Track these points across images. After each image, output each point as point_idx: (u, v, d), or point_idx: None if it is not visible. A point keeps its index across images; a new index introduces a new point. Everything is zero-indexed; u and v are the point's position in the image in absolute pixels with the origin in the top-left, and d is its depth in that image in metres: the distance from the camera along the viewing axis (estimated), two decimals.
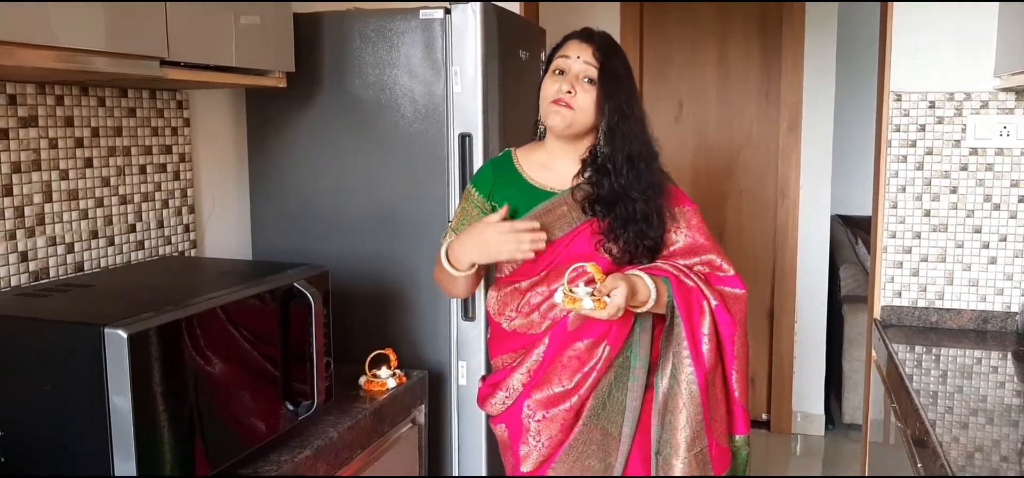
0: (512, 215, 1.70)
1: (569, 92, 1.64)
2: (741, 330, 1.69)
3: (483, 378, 1.86)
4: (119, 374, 1.27)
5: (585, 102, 1.65)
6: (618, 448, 1.68)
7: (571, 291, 1.53)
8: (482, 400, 1.81)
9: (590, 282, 1.55)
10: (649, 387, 1.69)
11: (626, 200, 1.65)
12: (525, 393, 1.71)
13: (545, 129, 1.74)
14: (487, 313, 1.81)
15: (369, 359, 2.05)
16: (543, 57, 2.48)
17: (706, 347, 1.65)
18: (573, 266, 1.60)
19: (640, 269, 1.64)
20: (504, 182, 1.75)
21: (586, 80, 1.65)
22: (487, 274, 1.91)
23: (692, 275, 1.67)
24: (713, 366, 1.66)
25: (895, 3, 2.39)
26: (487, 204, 1.75)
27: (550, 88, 1.67)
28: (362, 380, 2.03)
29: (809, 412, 4.02)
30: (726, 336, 1.68)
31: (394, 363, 2.06)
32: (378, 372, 2.05)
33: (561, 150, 1.72)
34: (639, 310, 1.62)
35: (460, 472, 2.25)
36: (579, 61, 1.65)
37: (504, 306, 1.74)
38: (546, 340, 1.69)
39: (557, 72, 1.67)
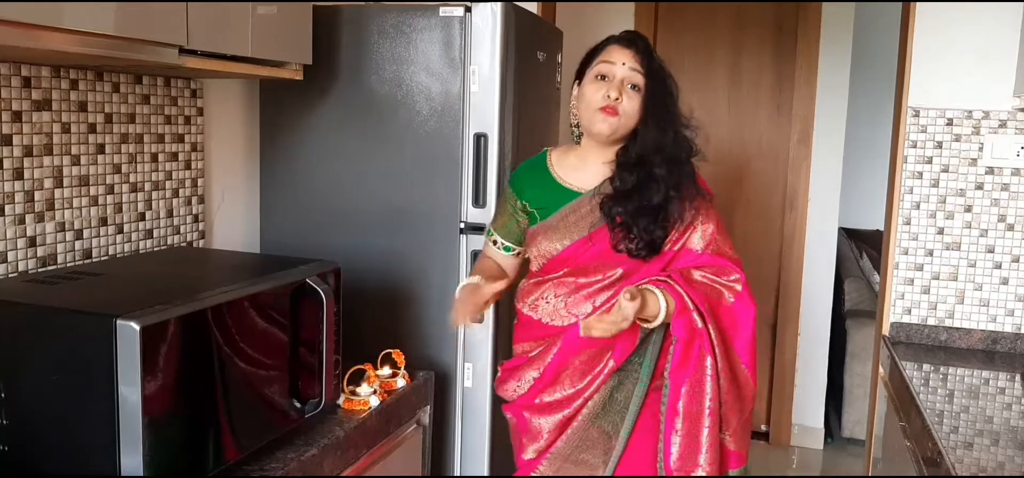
0: (540, 213, 1.75)
1: (616, 99, 1.62)
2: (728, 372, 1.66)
3: (502, 364, 1.88)
4: (130, 366, 1.25)
5: (631, 108, 1.64)
6: (614, 448, 1.70)
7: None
8: (499, 384, 1.86)
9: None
10: (654, 390, 1.69)
11: (646, 191, 1.63)
12: (536, 389, 1.75)
13: (580, 134, 1.73)
14: (515, 302, 1.83)
15: (348, 375, 1.85)
16: (559, 59, 2.46)
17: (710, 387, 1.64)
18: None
19: (654, 283, 1.62)
20: (534, 182, 1.78)
21: (631, 86, 1.64)
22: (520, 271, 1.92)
23: (700, 304, 1.64)
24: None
25: (916, 19, 2.38)
26: (519, 203, 1.79)
27: (595, 94, 1.65)
28: (341, 399, 1.82)
29: (808, 425, 4.00)
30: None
31: (372, 379, 1.90)
32: (357, 389, 1.86)
33: (595, 152, 1.72)
34: (648, 325, 1.62)
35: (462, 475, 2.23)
36: (624, 68, 1.63)
37: (527, 295, 1.78)
38: (559, 343, 1.71)
39: (599, 77, 1.65)
